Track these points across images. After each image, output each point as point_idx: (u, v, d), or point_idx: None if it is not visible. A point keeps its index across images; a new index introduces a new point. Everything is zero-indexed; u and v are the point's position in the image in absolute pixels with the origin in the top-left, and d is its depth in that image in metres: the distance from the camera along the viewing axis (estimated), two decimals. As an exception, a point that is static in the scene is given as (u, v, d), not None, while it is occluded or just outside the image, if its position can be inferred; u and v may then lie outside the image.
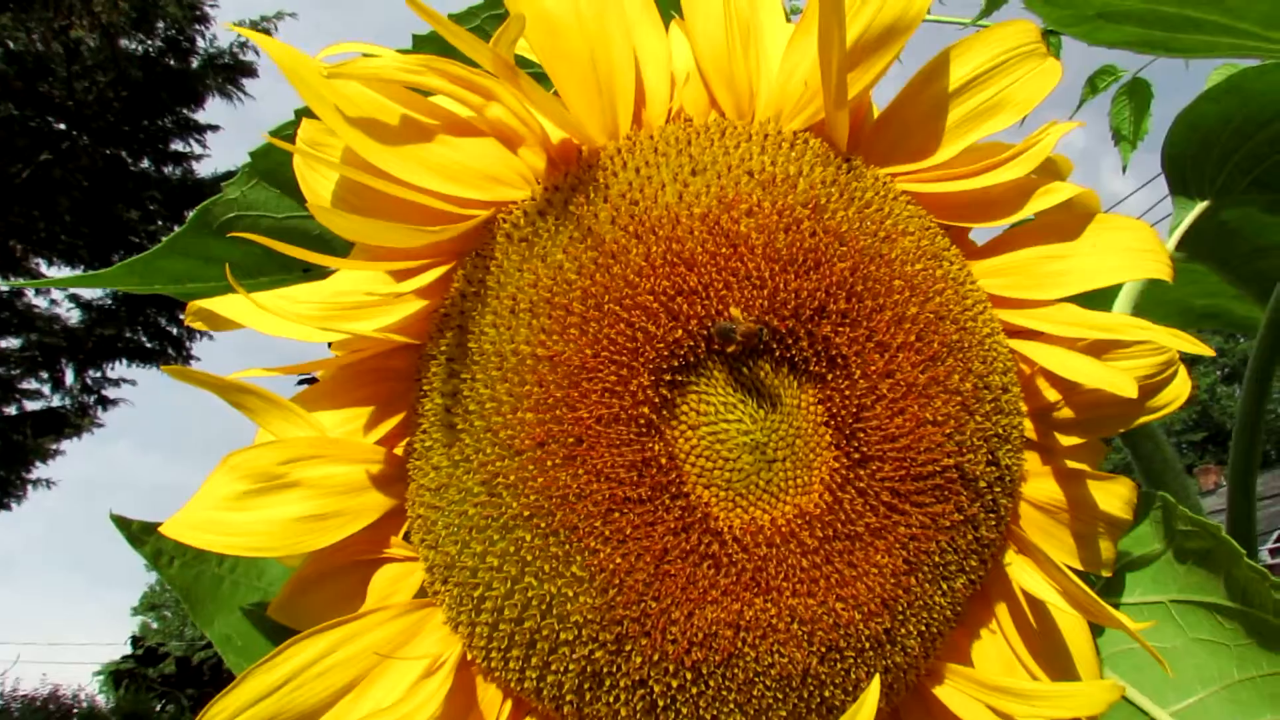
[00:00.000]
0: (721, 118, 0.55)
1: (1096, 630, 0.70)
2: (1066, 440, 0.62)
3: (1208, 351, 0.58)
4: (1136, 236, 0.60)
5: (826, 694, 0.51)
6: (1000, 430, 0.54)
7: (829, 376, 0.50)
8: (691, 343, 0.49)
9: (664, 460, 0.49)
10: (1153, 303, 0.99)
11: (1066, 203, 0.61)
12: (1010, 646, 0.60)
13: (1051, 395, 0.61)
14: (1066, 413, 0.61)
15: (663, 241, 0.49)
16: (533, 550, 0.49)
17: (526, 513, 0.49)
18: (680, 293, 0.49)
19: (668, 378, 0.49)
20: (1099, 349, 0.60)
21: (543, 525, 0.49)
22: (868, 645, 0.51)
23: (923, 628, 0.53)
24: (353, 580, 0.61)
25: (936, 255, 0.54)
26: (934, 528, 0.52)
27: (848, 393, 0.50)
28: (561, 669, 0.51)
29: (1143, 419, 0.63)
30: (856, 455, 0.50)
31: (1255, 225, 1.01)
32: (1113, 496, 0.61)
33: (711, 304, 0.49)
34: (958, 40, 0.58)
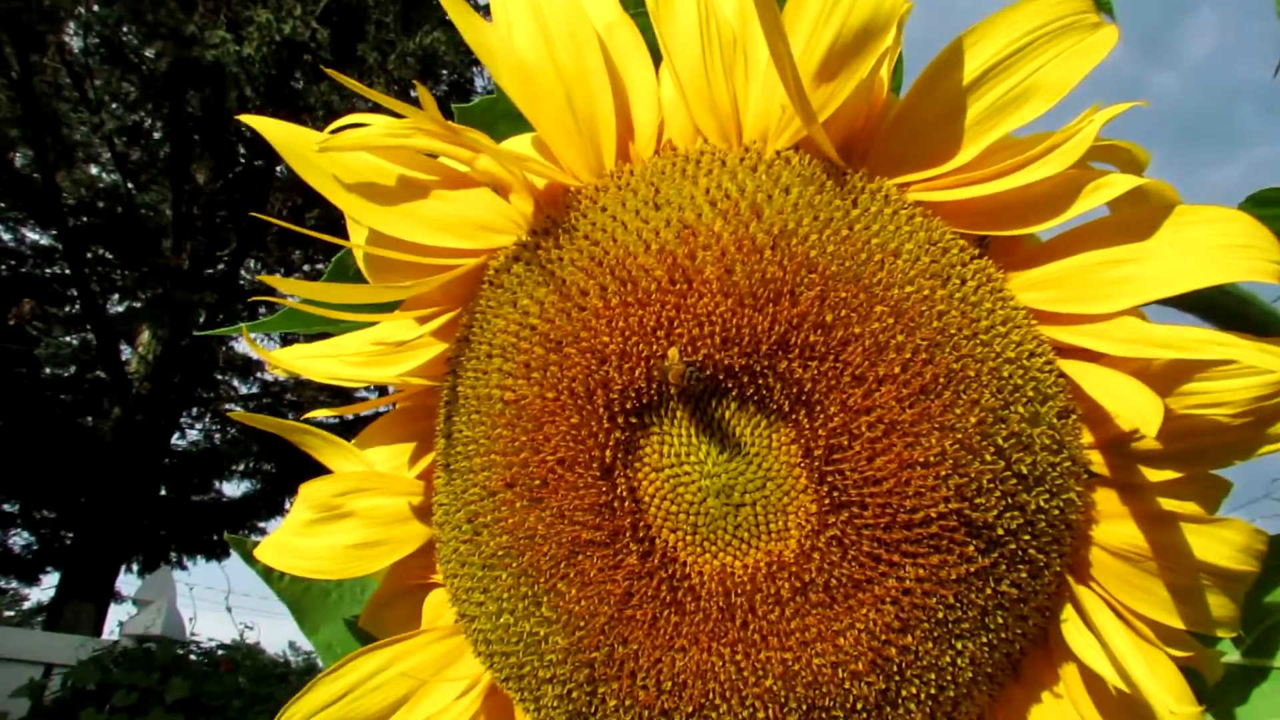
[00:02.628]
0: (705, 144, 0.54)
1: (1240, 698, 0.58)
2: (1156, 475, 0.52)
3: None
4: (1230, 229, 0.49)
5: (817, 756, 0.48)
6: (1026, 469, 0.47)
7: (799, 415, 0.47)
8: (647, 384, 0.48)
9: (627, 503, 0.48)
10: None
11: (1135, 198, 0.52)
12: (1081, 716, 0.52)
13: (1127, 423, 0.52)
14: (1150, 443, 0.52)
15: (617, 281, 0.48)
16: (508, 589, 0.51)
17: (501, 552, 0.51)
18: (635, 333, 0.48)
19: (629, 420, 0.48)
20: (1186, 368, 0.50)
21: (514, 565, 0.50)
22: (858, 706, 0.47)
23: (931, 690, 0.47)
24: (416, 601, 0.67)
25: (940, 275, 0.48)
26: (933, 581, 0.46)
27: (820, 432, 0.46)
28: (550, 704, 0.52)
29: (1266, 449, 0.52)
30: (831, 500, 0.46)
31: None
32: (1219, 543, 0.50)
33: (664, 343, 0.47)
34: (973, 25, 0.51)
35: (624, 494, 0.48)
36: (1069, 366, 0.50)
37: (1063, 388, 0.51)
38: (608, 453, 0.48)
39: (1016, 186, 0.50)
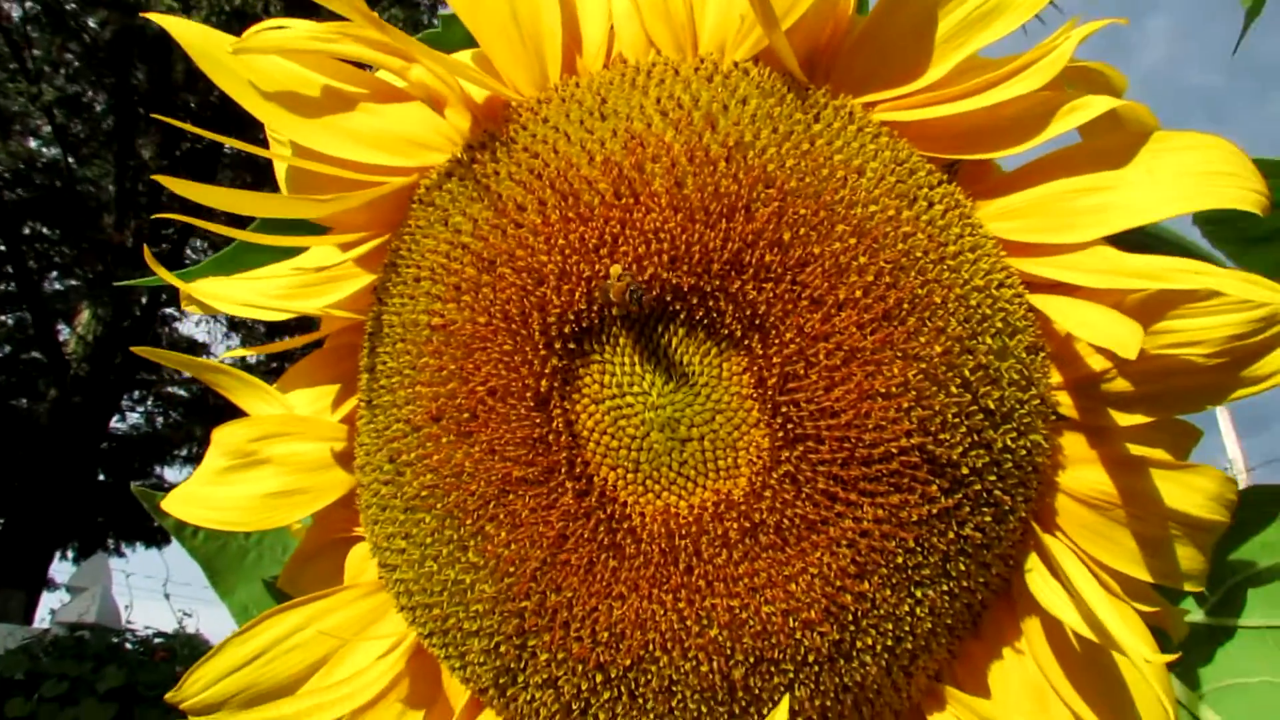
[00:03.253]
0: (658, 55, 0.49)
1: (1204, 657, 0.56)
2: (1125, 419, 0.49)
3: None
4: (1210, 156, 0.46)
5: (765, 712, 0.44)
6: (993, 405, 0.44)
7: (752, 341, 0.43)
8: (588, 307, 0.44)
9: (563, 438, 0.44)
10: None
11: (1111, 124, 0.49)
12: (1044, 673, 0.49)
13: (1097, 363, 0.49)
14: (1121, 384, 0.49)
15: (558, 194, 0.44)
16: (431, 533, 0.46)
17: (424, 493, 0.46)
18: (576, 251, 0.44)
19: (567, 346, 0.44)
20: (1160, 304, 0.47)
21: (438, 506, 0.46)
22: (810, 659, 0.43)
23: (888, 642, 0.44)
24: (338, 557, 0.62)
25: (906, 195, 0.45)
26: (893, 523, 0.43)
27: (775, 360, 0.42)
28: (476, 660, 0.48)
29: (1240, 393, 0.49)
30: (785, 434, 0.42)
31: None
32: (1189, 490, 0.48)
33: (608, 262, 0.43)
34: (946, -66, 0.48)
35: (560, 428, 0.43)
36: (1039, 300, 0.47)
37: (1031, 322, 0.48)
38: (543, 382, 0.43)
39: (987, 106, 0.47)
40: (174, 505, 0.59)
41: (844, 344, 0.42)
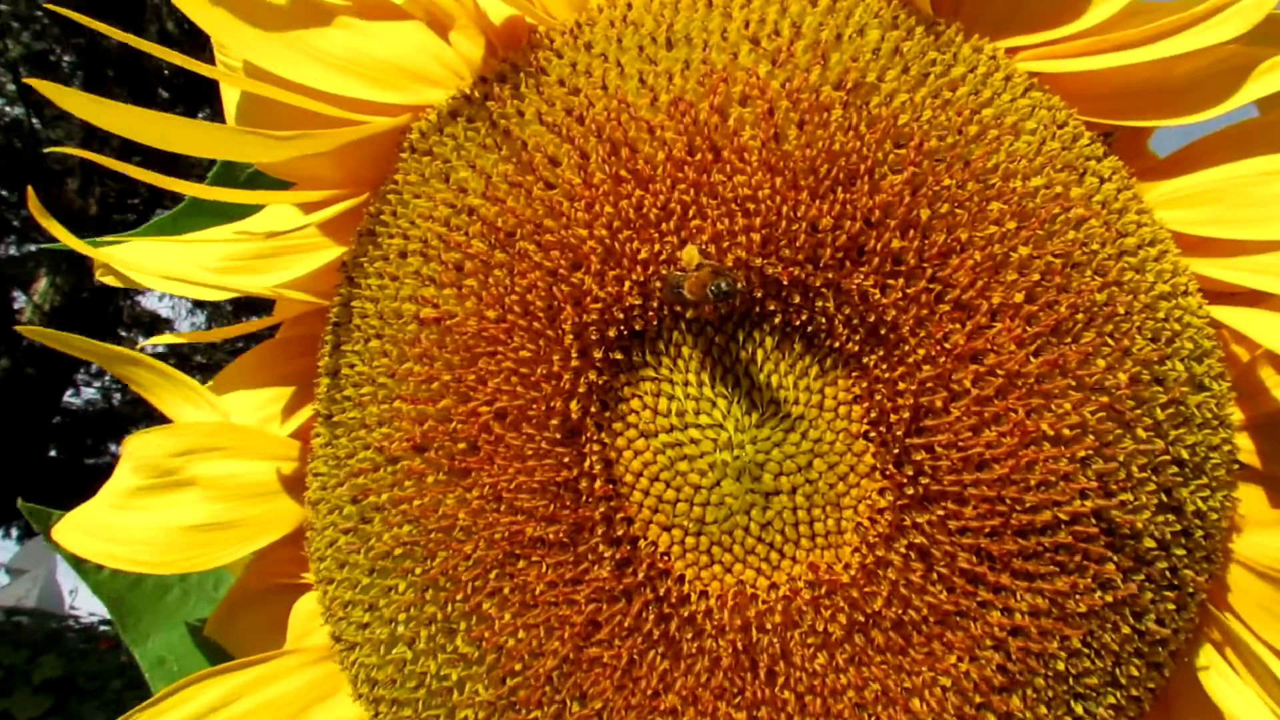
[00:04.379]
0: (738, -29, 0.37)
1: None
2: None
3: None
4: None
5: None
6: (1186, 453, 0.32)
7: (871, 359, 0.31)
8: (642, 302, 0.31)
9: (598, 483, 0.31)
10: None
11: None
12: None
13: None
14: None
15: (606, 145, 0.31)
16: (406, 608, 0.34)
17: (399, 551, 0.33)
18: (629, 224, 0.31)
19: (610, 356, 0.32)
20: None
21: (419, 572, 0.33)
22: (931, 800, 0.31)
23: (1035, 778, 0.32)
24: (281, 605, 0.48)
25: (1074, 167, 0.33)
26: (1055, 616, 0.31)
27: (902, 386, 0.30)
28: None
29: None
30: (914, 491, 0.30)
31: None
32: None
33: (674, 241, 0.31)
34: None
35: (595, 469, 0.31)
36: (1222, 313, 0.36)
37: (1216, 343, 0.36)
38: (574, 404, 0.31)
39: (1160, 60, 0.35)
40: (68, 535, 0.46)
41: (1000, 367, 0.30)
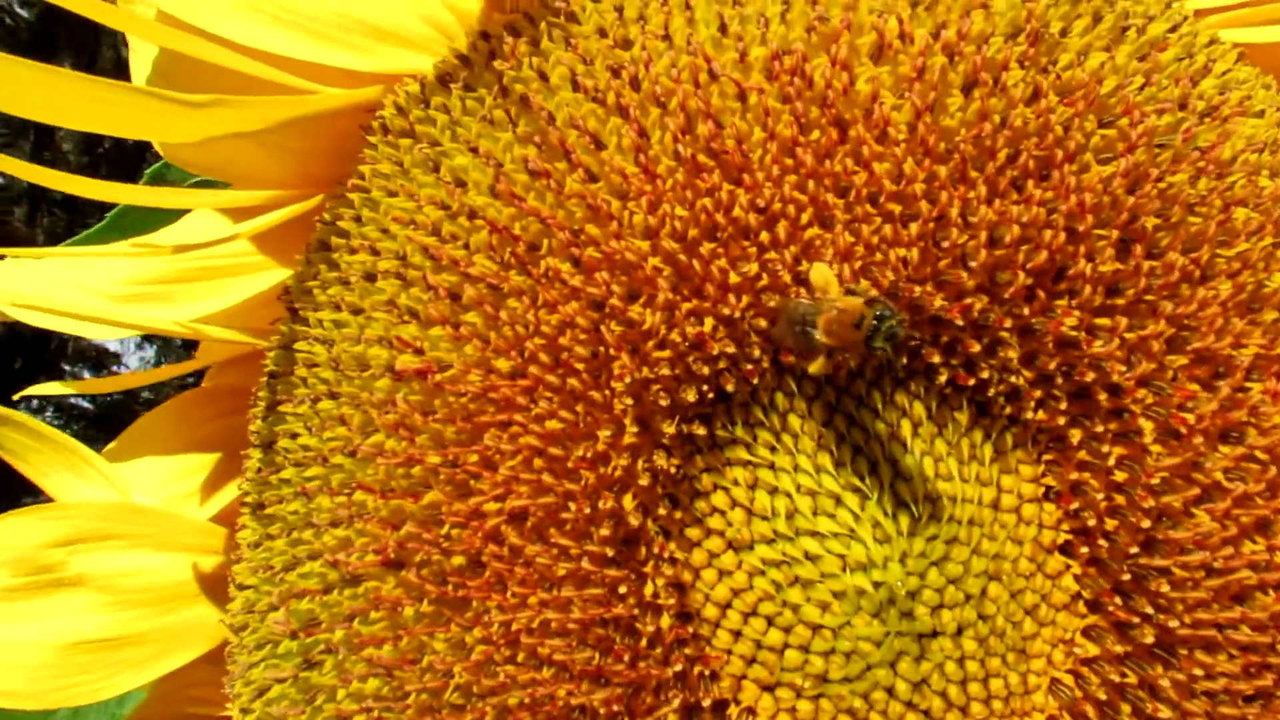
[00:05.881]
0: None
1: None
2: None
3: None
4: None
5: None
6: None
7: (1073, 434, 0.20)
8: (736, 349, 0.21)
9: (664, 620, 0.21)
10: None
11: None
12: None
13: None
14: None
15: (676, 117, 0.21)
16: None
17: (360, 718, 0.22)
18: (712, 234, 0.21)
19: (682, 429, 0.21)
20: None
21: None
22: None
23: None
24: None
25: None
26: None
27: (1119, 476, 0.20)
28: None
29: None
30: (1145, 633, 0.20)
31: None
32: None
33: (780, 259, 0.20)
34: None
35: (662, 599, 0.20)
36: None
37: None
38: (629, 502, 0.20)
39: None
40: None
41: (1269, 451, 0.20)
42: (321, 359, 0.25)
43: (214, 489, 0.36)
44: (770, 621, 0.22)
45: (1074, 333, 0.21)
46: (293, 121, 0.27)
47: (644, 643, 0.21)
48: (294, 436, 0.25)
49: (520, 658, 0.21)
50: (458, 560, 0.22)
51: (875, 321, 0.18)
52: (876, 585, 0.21)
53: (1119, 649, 0.21)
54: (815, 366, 0.20)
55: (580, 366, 0.22)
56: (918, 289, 0.20)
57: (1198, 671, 0.21)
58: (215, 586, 0.34)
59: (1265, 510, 0.21)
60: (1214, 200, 0.22)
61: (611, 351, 0.21)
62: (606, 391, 0.22)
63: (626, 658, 0.21)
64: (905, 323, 0.18)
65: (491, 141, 0.24)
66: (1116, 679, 0.21)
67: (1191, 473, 0.21)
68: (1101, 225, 0.21)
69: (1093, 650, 0.21)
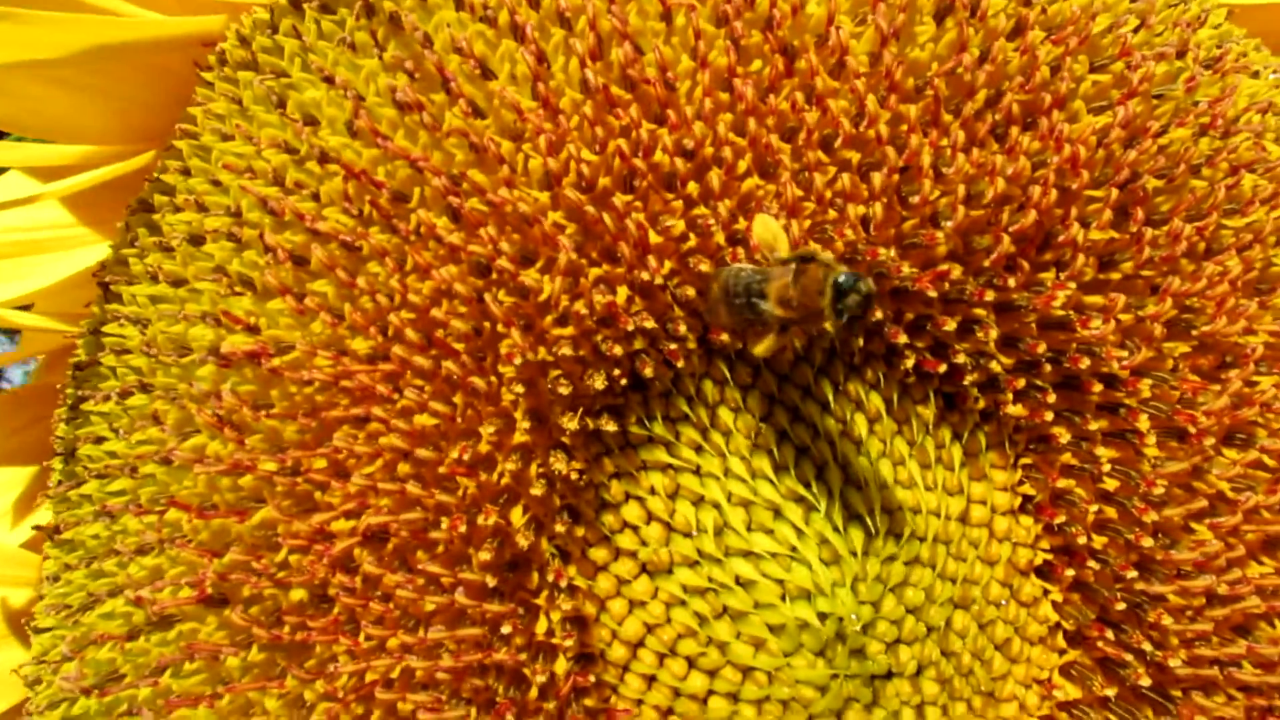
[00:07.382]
0: None
1: None
2: None
3: None
4: None
5: None
6: None
7: (1057, 432, 0.17)
8: (656, 324, 0.16)
9: (559, 664, 0.16)
10: None
11: None
12: None
13: None
14: None
15: (584, 38, 0.17)
16: None
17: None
18: (626, 182, 0.16)
19: (586, 425, 0.17)
20: None
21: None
22: None
23: None
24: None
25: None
26: None
27: (1109, 484, 0.17)
28: None
29: None
30: (1138, 673, 0.16)
31: None
32: None
33: (712, 215, 0.16)
34: None
35: (557, 638, 0.16)
36: None
37: None
38: (518, 517, 0.16)
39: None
40: None
41: (1280, 455, 0.17)
42: (134, 343, 0.20)
43: (28, 509, 0.30)
44: (691, 663, 0.18)
45: (1063, 311, 0.17)
46: (101, 51, 0.21)
47: (534, 694, 0.17)
48: (98, 441, 0.20)
49: (375, 718, 0.17)
50: (297, 595, 0.17)
51: (840, 286, 0.14)
52: (822, 617, 0.17)
53: (1105, 692, 0.18)
54: (762, 346, 0.16)
55: (459, 346, 0.17)
56: (881, 252, 0.16)
57: (1199, 719, 0.17)
58: (20, 628, 0.28)
59: (1276, 526, 0.17)
60: (1220, 163, 0.19)
61: (499, 328, 0.17)
62: (492, 378, 0.17)
63: (511, 715, 0.16)
64: (873, 294, 0.14)
65: (351, 70, 0.19)
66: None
67: (1194, 481, 0.17)
68: (1096, 184, 0.17)
69: (1073, 693, 0.18)
